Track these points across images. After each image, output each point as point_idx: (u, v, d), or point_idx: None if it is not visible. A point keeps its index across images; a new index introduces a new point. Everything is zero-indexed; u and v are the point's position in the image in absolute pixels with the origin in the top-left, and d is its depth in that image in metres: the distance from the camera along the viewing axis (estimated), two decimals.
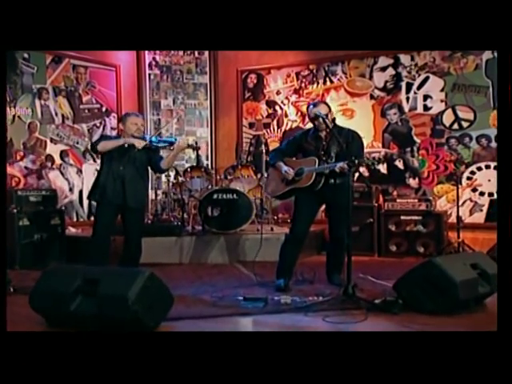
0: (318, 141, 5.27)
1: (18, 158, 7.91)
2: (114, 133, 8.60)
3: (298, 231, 5.34)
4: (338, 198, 5.14)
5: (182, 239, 7.20)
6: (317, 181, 5.08)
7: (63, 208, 7.94)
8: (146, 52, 9.40)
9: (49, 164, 8.25)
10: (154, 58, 9.43)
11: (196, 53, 9.51)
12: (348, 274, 4.48)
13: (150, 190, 8.97)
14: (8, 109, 7.74)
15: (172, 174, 8.02)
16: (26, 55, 7.98)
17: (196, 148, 5.91)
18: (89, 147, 6.50)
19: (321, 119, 5.06)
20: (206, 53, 9.56)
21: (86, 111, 8.77)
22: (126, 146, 5.40)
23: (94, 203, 5.94)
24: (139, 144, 5.38)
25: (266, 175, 5.85)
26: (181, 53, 9.48)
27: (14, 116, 7.85)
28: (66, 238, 7.39)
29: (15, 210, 6.90)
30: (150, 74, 9.44)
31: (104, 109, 8.98)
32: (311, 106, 5.29)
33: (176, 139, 5.65)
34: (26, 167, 7.97)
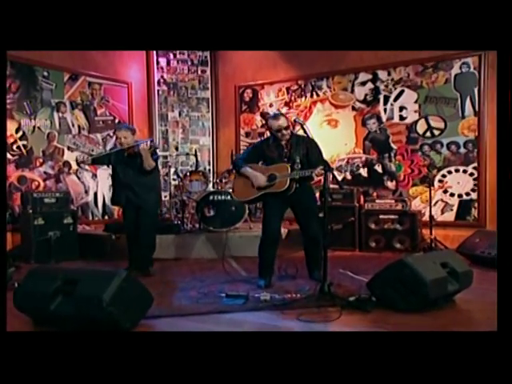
0: (279, 149, 4.81)
1: (38, 164, 7.47)
2: None
3: (271, 233, 4.83)
4: (302, 201, 4.79)
5: (180, 237, 6.69)
6: (291, 185, 4.64)
7: (76, 208, 7.65)
8: (155, 70, 8.96)
9: (66, 169, 7.81)
10: (162, 76, 9.03)
11: (199, 71, 9.07)
12: (324, 273, 3.97)
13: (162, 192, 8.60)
14: (29, 120, 7.37)
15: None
16: (45, 73, 7.57)
17: (154, 148, 5.56)
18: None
19: (284, 131, 4.71)
20: (208, 71, 9.13)
21: (101, 123, 8.33)
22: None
23: None
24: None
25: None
26: (186, 71, 9.05)
27: (34, 127, 7.43)
28: (77, 235, 6.94)
29: (31, 211, 6.52)
30: (158, 90, 9.01)
31: (117, 120, 8.52)
32: (272, 120, 4.80)
33: (141, 143, 5.37)
34: (45, 172, 7.53)
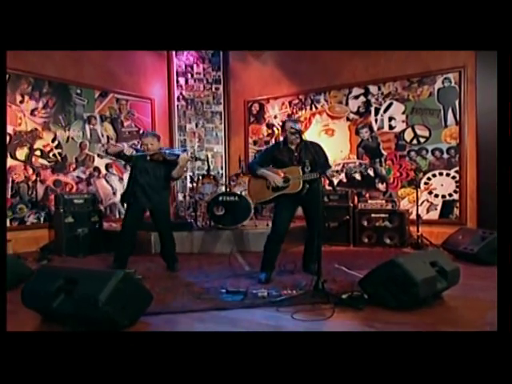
0: (290, 152, 4.36)
1: (71, 169, 7.12)
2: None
3: (280, 231, 4.33)
4: (313, 201, 4.23)
5: (192, 233, 6.22)
6: (304, 187, 4.22)
7: (104, 208, 7.30)
8: (175, 88, 8.56)
9: (96, 174, 7.43)
10: (181, 93, 8.62)
11: (213, 88, 8.65)
12: (318, 270, 3.44)
13: (179, 193, 8.16)
14: (63, 132, 7.03)
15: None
16: (78, 91, 7.23)
17: (195, 158, 5.04)
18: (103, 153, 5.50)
19: (297, 134, 4.31)
20: (221, 88, 8.70)
21: (127, 133, 7.95)
22: (128, 153, 4.81)
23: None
24: (128, 151, 4.81)
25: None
26: (201, 88, 8.64)
27: (68, 137, 7.09)
28: (102, 231, 6.54)
29: (62, 210, 6.14)
30: (177, 105, 8.60)
31: (141, 131, 8.08)
32: (291, 123, 4.37)
33: (181, 152, 4.83)
34: (77, 176, 7.18)
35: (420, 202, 6.49)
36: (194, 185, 6.81)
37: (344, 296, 3.28)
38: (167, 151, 4.85)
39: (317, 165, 4.22)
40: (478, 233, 5.34)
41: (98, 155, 7.39)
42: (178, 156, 4.71)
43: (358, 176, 7.25)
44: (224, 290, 3.64)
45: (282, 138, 4.52)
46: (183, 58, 8.52)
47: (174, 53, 8.46)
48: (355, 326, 2.91)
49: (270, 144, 4.78)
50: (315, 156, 4.24)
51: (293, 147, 4.33)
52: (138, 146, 4.83)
